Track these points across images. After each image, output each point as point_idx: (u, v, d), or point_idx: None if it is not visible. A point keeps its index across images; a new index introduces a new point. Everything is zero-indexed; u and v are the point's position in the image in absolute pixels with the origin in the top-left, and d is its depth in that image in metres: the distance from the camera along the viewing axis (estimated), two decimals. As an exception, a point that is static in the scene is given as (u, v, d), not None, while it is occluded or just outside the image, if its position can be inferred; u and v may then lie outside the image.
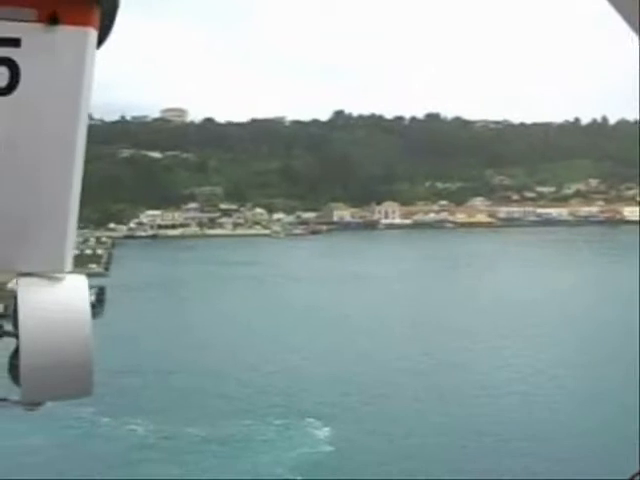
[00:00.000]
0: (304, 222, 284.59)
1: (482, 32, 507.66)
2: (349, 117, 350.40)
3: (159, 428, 58.21)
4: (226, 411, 62.20)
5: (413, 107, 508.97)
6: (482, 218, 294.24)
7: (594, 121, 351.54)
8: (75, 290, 4.44)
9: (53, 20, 4.14)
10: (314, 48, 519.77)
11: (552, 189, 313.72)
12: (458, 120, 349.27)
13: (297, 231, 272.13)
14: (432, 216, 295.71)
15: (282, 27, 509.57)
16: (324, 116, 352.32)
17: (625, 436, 46.09)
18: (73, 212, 4.51)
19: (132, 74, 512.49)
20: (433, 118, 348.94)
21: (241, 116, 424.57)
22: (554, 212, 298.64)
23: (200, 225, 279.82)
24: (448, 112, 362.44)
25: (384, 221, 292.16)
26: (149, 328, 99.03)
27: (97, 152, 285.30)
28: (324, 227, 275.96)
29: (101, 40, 4.43)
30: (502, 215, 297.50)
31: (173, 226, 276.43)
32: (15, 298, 4.35)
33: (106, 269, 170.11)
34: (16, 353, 4.34)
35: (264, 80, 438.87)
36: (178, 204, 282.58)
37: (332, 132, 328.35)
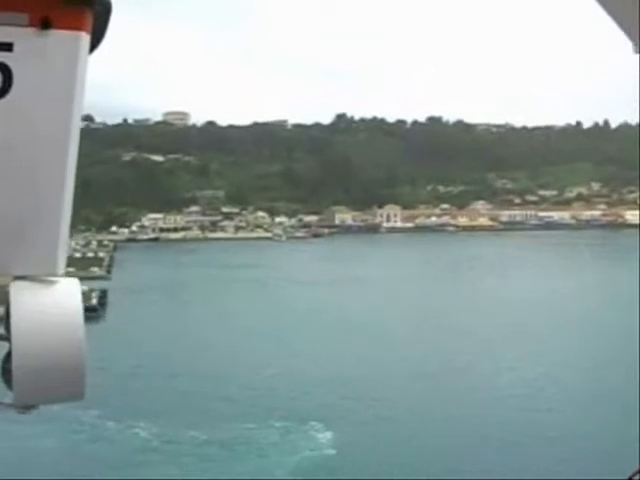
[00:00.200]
0: (306, 225, 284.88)
1: (484, 36, 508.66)
2: (351, 120, 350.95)
3: (162, 431, 58.25)
4: (228, 414, 62.21)
5: (415, 110, 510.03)
6: (484, 221, 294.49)
7: (596, 124, 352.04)
8: (68, 294, 4.45)
9: (45, 24, 4.14)
10: (316, 51, 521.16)
11: (554, 192, 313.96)
12: (460, 123, 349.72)
13: (299, 234, 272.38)
14: (434, 219, 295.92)
15: (284, 29, 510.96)
16: (326, 119, 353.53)
17: (626, 436, 46.00)
18: (66, 215, 4.51)
19: (134, 78, 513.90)
20: (435, 121, 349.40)
21: (243, 119, 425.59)
22: (556, 215, 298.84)
23: (202, 228, 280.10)
24: (450, 115, 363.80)
25: (386, 224, 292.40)
26: (151, 331, 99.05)
27: (99, 155, 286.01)
28: (326, 230, 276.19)
29: (95, 44, 4.46)
30: (504, 218, 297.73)
31: (175, 229, 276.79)
32: (7, 301, 4.37)
33: (108, 272, 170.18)
34: (8, 356, 4.35)
35: (266, 83, 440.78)
36: (180, 207, 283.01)
37: (334, 135, 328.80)
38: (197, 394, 68.27)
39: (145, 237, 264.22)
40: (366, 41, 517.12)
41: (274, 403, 65.48)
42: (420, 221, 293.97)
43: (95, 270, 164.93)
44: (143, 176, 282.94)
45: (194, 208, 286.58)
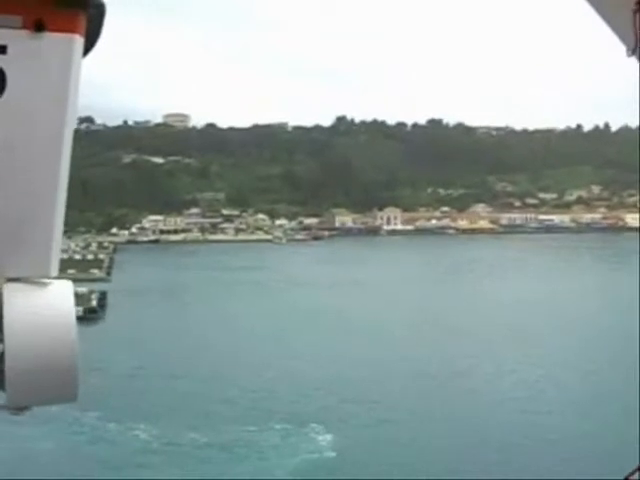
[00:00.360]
0: (306, 228, 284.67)
1: (485, 38, 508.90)
2: (351, 123, 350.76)
3: (162, 433, 58.24)
4: (228, 416, 62.19)
5: (415, 113, 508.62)
6: (484, 224, 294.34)
7: (596, 128, 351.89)
8: (61, 295, 4.45)
9: (39, 27, 4.17)
10: (317, 53, 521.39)
11: (554, 196, 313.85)
12: (460, 126, 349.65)
13: (299, 237, 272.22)
14: (434, 222, 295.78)
15: (285, 31, 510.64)
16: (326, 122, 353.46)
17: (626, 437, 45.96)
18: (59, 217, 4.52)
19: (135, 79, 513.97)
20: (435, 124, 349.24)
21: (243, 121, 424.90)
22: (556, 219, 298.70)
23: (202, 230, 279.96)
24: (450, 118, 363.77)
25: (386, 227, 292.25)
26: (151, 332, 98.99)
27: (100, 157, 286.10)
28: (326, 233, 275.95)
29: (89, 47, 4.47)
30: (504, 221, 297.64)
31: (175, 231, 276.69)
32: (0, 303, 4.38)
33: (108, 274, 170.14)
34: (1, 358, 4.35)
35: (267, 85, 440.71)
36: (180, 209, 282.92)
37: (334, 138, 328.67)
38: (197, 396, 68.27)
39: (145, 239, 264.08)
40: (366, 43, 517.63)
41: (274, 405, 65.48)
42: (420, 224, 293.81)
43: (95, 272, 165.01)
44: (143, 178, 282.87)
45: (194, 210, 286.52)
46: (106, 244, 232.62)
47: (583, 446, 54.37)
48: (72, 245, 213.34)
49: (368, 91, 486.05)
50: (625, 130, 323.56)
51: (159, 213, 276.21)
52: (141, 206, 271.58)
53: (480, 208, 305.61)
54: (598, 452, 51.94)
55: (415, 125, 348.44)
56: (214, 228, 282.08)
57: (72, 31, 4.27)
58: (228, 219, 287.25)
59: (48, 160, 4.40)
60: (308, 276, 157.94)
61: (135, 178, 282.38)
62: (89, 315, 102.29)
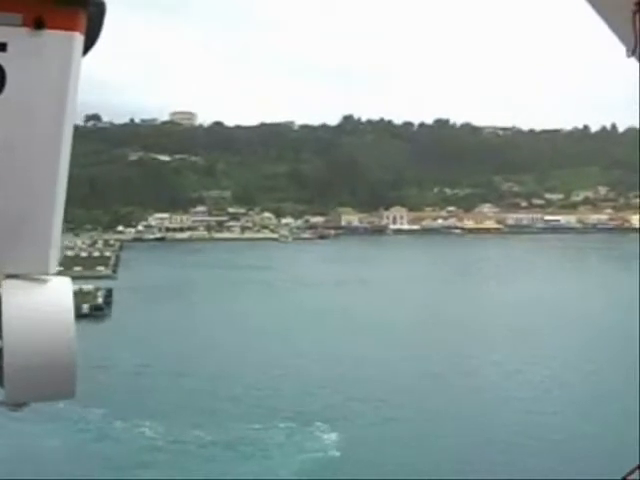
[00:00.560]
0: (312, 226, 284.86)
1: (492, 39, 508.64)
2: (358, 122, 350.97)
3: (167, 431, 58.29)
4: (234, 414, 62.21)
5: (422, 112, 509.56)
6: (490, 224, 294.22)
7: (603, 128, 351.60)
8: (59, 292, 4.47)
9: (39, 25, 4.16)
10: (324, 52, 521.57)
11: (560, 196, 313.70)
12: (467, 126, 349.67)
13: (305, 235, 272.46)
14: (440, 222, 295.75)
15: (293, 30, 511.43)
16: (333, 121, 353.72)
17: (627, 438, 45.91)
18: (58, 214, 4.53)
19: (141, 77, 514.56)
20: (442, 124, 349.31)
21: (250, 120, 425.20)
22: (562, 219, 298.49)
23: (208, 228, 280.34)
24: (457, 118, 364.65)
25: (392, 226, 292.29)
26: (156, 330, 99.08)
27: (106, 155, 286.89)
28: (332, 232, 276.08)
29: (90, 45, 4.49)
30: (510, 222, 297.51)
31: (181, 229, 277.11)
32: None
33: (114, 271, 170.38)
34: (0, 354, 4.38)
35: (274, 84, 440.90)
36: (186, 207, 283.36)
37: (341, 137, 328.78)
38: (203, 394, 68.30)
39: (151, 237, 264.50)
40: (374, 43, 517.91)
41: (280, 404, 65.48)
42: (426, 223, 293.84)
43: (101, 269, 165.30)
44: (150, 176, 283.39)
45: (200, 208, 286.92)
46: (112, 242, 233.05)
47: (585, 446, 54.28)
48: (79, 242, 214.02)
49: (375, 90, 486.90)
50: (632, 131, 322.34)
51: (165, 211, 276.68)
52: (147, 204, 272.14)
53: (486, 208, 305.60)
54: (600, 453, 51.85)
55: (422, 125, 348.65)
56: (220, 226, 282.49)
57: (72, 29, 4.26)
58: (234, 217, 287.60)
59: (47, 157, 4.41)
60: (314, 275, 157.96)
61: (141, 176, 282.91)
62: (95, 312, 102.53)
